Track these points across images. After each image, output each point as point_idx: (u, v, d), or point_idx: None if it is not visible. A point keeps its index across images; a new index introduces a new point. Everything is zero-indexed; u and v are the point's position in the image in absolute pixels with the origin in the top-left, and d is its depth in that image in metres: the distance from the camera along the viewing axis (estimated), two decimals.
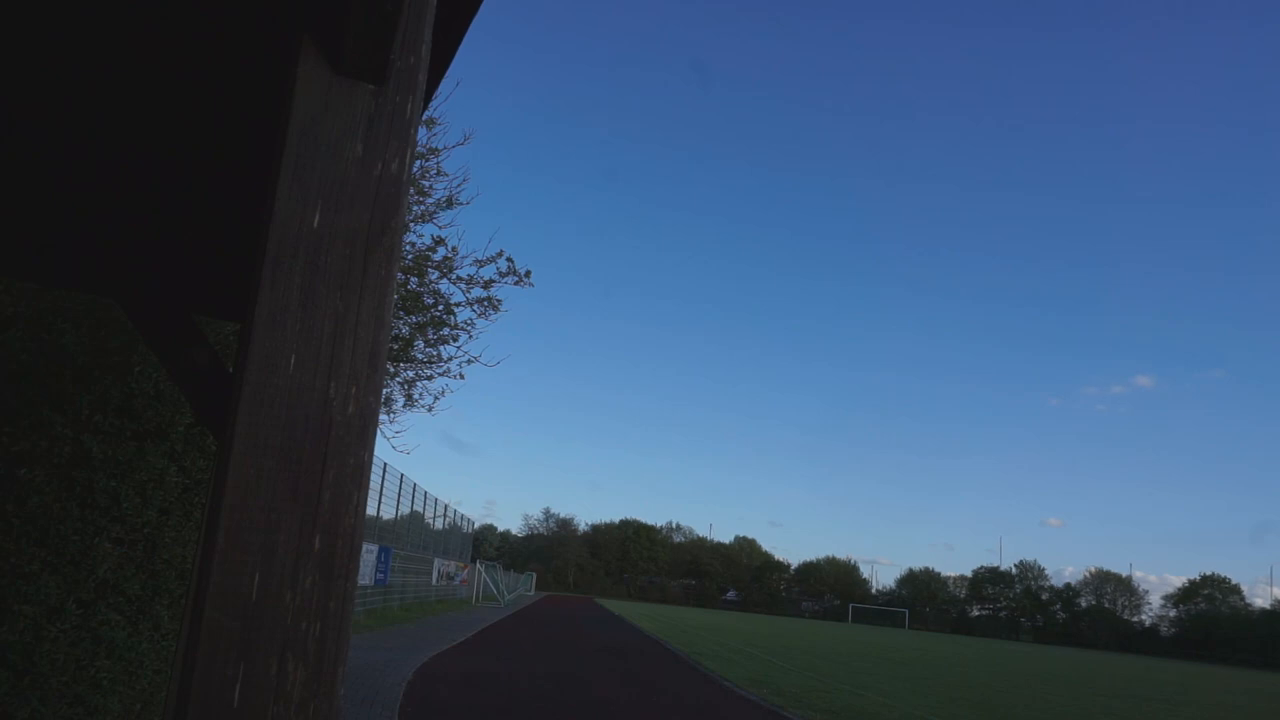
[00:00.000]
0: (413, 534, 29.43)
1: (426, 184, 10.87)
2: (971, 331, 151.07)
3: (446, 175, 11.08)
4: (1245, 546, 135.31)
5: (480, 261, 11.37)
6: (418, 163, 10.34)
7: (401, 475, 26.11)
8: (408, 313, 11.13)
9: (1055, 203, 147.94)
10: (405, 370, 12.01)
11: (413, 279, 11.01)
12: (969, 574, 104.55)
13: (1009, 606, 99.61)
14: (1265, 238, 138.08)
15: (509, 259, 11.36)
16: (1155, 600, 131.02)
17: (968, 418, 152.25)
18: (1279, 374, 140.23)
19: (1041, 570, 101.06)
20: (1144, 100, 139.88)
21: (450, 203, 11.12)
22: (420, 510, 31.30)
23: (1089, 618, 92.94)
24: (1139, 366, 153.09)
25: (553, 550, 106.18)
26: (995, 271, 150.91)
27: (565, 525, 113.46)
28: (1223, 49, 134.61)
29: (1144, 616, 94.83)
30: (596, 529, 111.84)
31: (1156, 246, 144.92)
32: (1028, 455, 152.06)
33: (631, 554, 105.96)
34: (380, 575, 22.12)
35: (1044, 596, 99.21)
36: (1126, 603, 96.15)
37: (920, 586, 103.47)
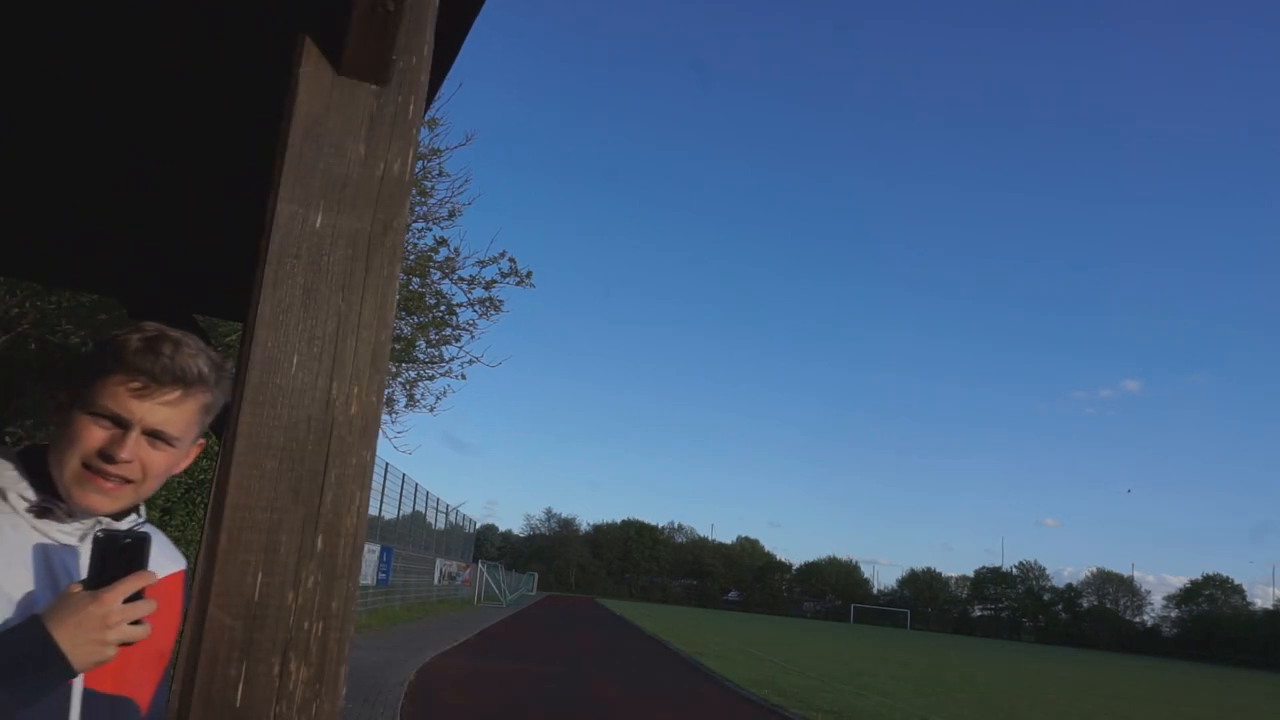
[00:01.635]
0: (414, 534, 29.42)
1: (429, 184, 10.87)
2: (971, 331, 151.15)
3: (448, 176, 11.09)
4: (1247, 547, 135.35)
5: (482, 262, 11.38)
6: (420, 163, 10.33)
7: (403, 475, 26.11)
8: (410, 313, 11.13)
9: (1055, 203, 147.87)
10: (407, 370, 12.02)
11: (415, 279, 11.01)
12: (970, 574, 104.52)
13: (1011, 607, 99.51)
14: (1264, 238, 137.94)
15: (511, 259, 11.37)
16: (1157, 601, 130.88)
17: (967, 418, 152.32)
18: (1279, 374, 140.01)
19: (1043, 571, 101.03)
20: (1144, 100, 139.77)
21: (452, 213, 11.13)
22: (422, 510, 31.30)
23: (1091, 618, 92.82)
24: (1138, 367, 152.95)
25: (554, 550, 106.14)
26: (995, 271, 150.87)
27: (567, 525, 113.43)
28: (1223, 49, 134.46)
29: (1146, 617, 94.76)
30: (598, 529, 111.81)
31: (1156, 246, 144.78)
32: (1028, 455, 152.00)
33: (633, 554, 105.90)
34: (382, 575, 22.13)
35: (1046, 597, 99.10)
36: (1128, 603, 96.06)
37: (922, 587, 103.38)
